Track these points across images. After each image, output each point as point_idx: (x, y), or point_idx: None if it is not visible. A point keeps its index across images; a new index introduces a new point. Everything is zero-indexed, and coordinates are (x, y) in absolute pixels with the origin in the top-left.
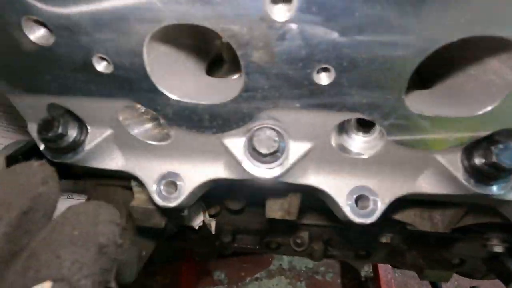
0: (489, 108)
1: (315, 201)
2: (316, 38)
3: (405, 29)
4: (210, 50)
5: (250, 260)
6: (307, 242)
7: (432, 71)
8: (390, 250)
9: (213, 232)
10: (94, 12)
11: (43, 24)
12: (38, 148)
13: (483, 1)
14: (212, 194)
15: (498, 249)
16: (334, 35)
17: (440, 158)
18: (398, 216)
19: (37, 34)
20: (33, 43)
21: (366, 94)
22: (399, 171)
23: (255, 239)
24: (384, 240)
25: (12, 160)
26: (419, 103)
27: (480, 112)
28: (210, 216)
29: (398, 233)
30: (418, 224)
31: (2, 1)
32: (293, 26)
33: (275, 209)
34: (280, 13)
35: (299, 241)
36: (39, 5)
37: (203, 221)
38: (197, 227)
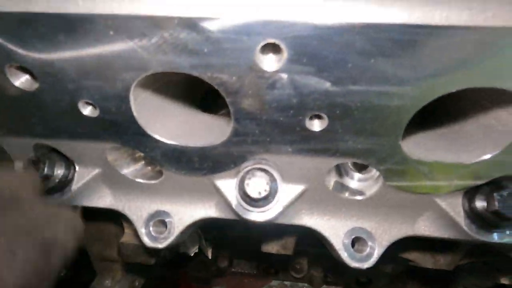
0: (490, 155)
1: None
2: (307, 88)
3: (401, 80)
4: (202, 84)
5: (251, 276)
6: (306, 268)
7: (430, 110)
8: (392, 278)
9: (210, 257)
10: (78, 59)
11: (27, 70)
12: None
13: (480, 54)
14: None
15: (505, 280)
16: (327, 85)
17: (440, 201)
18: (399, 252)
19: (21, 80)
20: (18, 88)
21: (361, 141)
22: (397, 213)
23: (252, 265)
24: (386, 269)
25: None
26: (417, 148)
27: (481, 159)
28: (206, 240)
29: (400, 264)
30: (420, 261)
31: None
32: (284, 75)
33: (271, 244)
34: (270, 63)
35: (298, 267)
36: (22, 52)
37: (199, 247)
38: (192, 254)
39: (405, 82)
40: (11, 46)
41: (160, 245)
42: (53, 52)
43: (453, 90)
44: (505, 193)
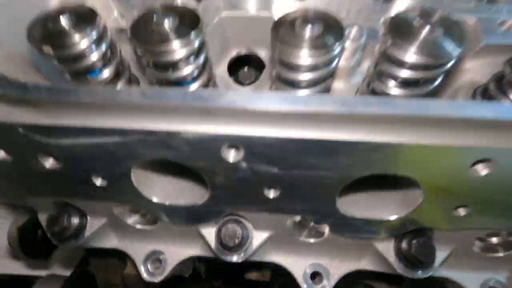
0: (403, 215)
1: None
2: (261, 172)
3: (326, 169)
4: None
5: None
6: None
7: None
8: None
9: (203, 277)
10: (92, 150)
11: (54, 157)
12: None
13: (372, 156)
14: None
15: None
16: (275, 170)
17: (376, 244)
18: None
19: (49, 162)
20: (47, 168)
21: (306, 204)
22: (346, 252)
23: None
24: None
25: (23, 231)
26: (352, 206)
27: (397, 217)
28: (199, 261)
29: None
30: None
31: (22, 142)
32: (243, 164)
33: (252, 272)
34: (233, 157)
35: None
36: (52, 146)
37: (194, 267)
38: (187, 275)
39: (329, 170)
40: (44, 142)
41: (156, 280)
42: (73, 146)
43: (364, 175)
44: (421, 240)
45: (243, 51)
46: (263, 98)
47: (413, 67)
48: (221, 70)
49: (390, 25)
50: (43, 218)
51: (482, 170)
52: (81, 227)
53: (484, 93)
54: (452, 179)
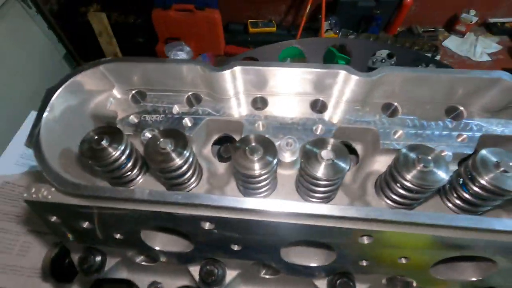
0: (327, 263)
1: None
2: (227, 235)
3: (271, 237)
4: None
5: None
6: None
7: None
8: None
9: None
10: (113, 218)
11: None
12: None
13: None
14: None
15: None
16: (236, 235)
17: (315, 281)
18: None
19: (85, 224)
20: (83, 227)
21: (261, 254)
22: (296, 285)
23: None
24: None
25: (54, 261)
26: (294, 256)
27: (323, 264)
28: None
29: None
30: None
31: (70, 213)
32: (215, 231)
33: None
34: (208, 226)
35: None
36: (89, 214)
37: None
38: None
39: (273, 238)
40: (84, 213)
41: None
42: (103, 217)
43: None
44: (344, 280)
45: (222, 135)
46: (228, 200)
47: (320, 180)
48: (206, 150)
49: (303, 152)
50: (75, 257)
51: (366, 240)
52: (102, 264)
53: (380, 181)
54: (350, 245)
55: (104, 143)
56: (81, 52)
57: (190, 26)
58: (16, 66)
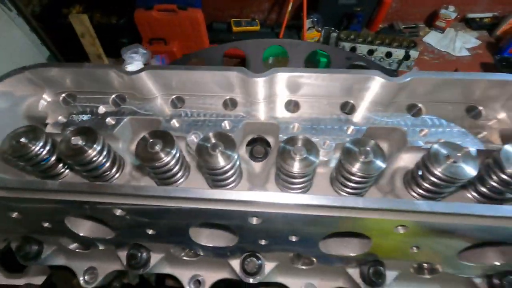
0: (361, 253)
1: None
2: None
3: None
4: None
5: None
6: None
7: None
8: None
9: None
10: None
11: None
12: None
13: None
14: None
15: None
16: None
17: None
18: None
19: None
20: None
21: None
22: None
23: None
24: None
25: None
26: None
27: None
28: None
29: None
30: None
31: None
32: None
33: None
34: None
35: None
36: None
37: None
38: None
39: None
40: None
41: None
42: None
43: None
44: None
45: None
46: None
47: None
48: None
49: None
50: (13, 246)
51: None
52: (39, 252)
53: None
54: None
55: (23, 140)
56: (65, 54)
57: (173, 26)
58: None
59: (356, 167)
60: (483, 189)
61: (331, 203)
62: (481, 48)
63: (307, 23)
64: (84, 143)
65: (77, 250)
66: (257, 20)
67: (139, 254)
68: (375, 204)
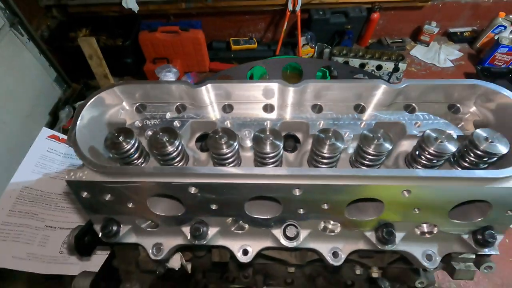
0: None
1: None
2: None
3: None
4: None
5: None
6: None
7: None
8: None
9: (189, 272)
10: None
11: (110, 194)
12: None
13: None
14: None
15: (375, 274)
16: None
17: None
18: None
19: (107, 196)
20: (105, 199)
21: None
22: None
23: (217, 275)
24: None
25: (78, 237)
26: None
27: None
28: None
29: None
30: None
31: (99, 189)
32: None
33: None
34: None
35: (246, 274)
36: (112, 187)
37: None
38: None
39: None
40: (108, 187)
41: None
42: (121, 190)
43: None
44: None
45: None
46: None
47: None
48: (191, 144)
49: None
50: (97, 227)
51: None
52: (118, 231)
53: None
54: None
55: (121, 138)
56: (72, 75)
57: (176, 46)
58: (9, 91)
59: (371, 148)
60: (464, 163)
61: (353, 173)
62: (463, 60)
63: (301, 40)
64: (167, 139)
65: (148, 228)
66: (254, 39)
67: (201, 228)
68: (385, 172)
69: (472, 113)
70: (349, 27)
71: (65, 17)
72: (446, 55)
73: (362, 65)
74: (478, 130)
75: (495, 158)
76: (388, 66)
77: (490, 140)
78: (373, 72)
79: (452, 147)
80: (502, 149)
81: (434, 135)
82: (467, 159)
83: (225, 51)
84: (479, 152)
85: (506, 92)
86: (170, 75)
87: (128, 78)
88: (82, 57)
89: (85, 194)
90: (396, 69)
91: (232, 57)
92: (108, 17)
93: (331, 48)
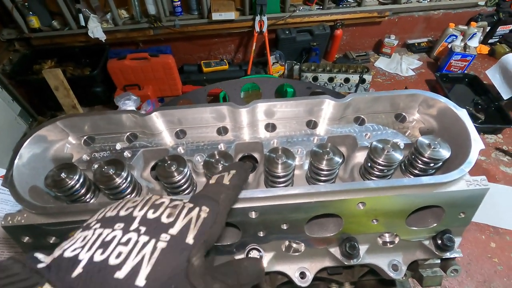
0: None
1: None
2: None
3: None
4: None
5: None
6: None
7: None
8: None
9: None
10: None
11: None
12: None
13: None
14: None
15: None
16: None
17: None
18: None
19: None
20: (50, 242)
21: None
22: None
23: None
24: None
25: None
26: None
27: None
28: None
29: None
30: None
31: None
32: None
33: None
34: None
35: None
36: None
37: None
38: None
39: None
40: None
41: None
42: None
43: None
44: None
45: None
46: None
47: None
48: (146, 174)
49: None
50: None
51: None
52: None
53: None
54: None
55: (63, 175)
56: (38, 108)
57: (147, 72)
58: None
59: (323, 164)
60: (414, 170)
61: (304, 190)
62: (423, 68)
63: (271, 59)
64: (113, 171)
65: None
66: (225, 60)
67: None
68: (337, 187)
69: (417, 121)
70: (315, 44)
71: (28, 49)
72: (408, 64)
73: (331, 79)
74: (421, 138)
75: (441, 163)
76: (355, 78)
77: (432, 147)
78: (341, 85)
79: (398, 156)
80: (445, 153)
81: (380, 146)
82: (415, 166)
83: (197, 73)
84: (424, 159)
85: (442, 98)
86: (129, 103)
87: (98, 107)
88: (49, 89)
89: (26, 239)
90: (362, 80)
91: (204, 79)
92: (74, 47)
93: (300, 64)
